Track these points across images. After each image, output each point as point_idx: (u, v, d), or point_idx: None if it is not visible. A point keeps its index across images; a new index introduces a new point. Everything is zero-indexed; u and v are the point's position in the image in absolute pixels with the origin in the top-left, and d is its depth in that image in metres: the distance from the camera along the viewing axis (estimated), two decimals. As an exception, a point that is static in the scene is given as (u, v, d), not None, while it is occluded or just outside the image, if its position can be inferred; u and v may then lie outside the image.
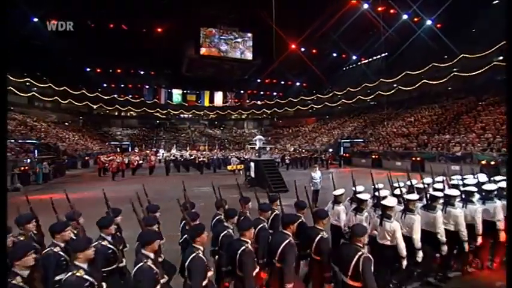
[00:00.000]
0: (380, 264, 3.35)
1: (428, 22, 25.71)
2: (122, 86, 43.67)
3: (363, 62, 37.42)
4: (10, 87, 32.47)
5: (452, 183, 5.17)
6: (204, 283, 2.47)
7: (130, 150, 38.44)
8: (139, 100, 45.32)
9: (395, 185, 4.93)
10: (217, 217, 3.97)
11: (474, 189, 4.44)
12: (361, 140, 29.03)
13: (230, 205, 4.15)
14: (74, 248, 2.30)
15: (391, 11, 26.35)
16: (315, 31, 28.07)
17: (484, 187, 4.54)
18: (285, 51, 31.59)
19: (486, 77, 23.07)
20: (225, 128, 52.14)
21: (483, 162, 15.37)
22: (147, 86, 44.62)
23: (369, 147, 26.11)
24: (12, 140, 19.83)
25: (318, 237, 3.12)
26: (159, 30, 28.43)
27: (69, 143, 29.25)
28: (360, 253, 2.63)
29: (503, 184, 4.51)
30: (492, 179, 5.34)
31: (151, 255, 2.45)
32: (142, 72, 41.89)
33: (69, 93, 38.97)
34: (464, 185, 4.91)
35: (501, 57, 21.29)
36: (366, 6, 26.38)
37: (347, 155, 27.19)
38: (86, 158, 26.04)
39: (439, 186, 4.78)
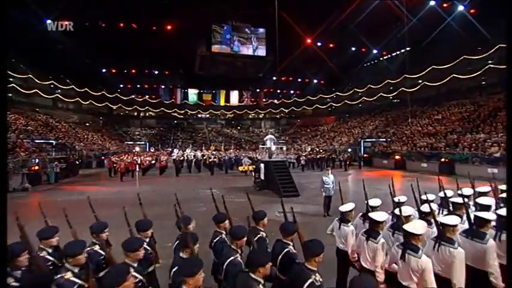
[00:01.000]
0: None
1: (460, 8, 23.28)
2: (138, 86, 44.36)
3: (384, 56, 35.39)
4: (36, 90, 33.99)
5: (503, 196, 3.81)
6: None
7: (147, 149, 38.83)
8: (157, 100, 45.95)
9: (423, 197, 3.81)
10: (218, 237, 3.08)
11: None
12: (383, 140, 27.44)
13: (236, 211, 3.54)
14: (66, 252, 2.28)
15: (417, -4, 24.21)
16: (331, 24, 26.40)
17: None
18: (300, 46, 30.21)
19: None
20: (242, 128, 51.76)
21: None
22: (162, 86, 44.97)
23: (391, 147, 24.63)
24: (29, 140, 20.20)
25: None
26: (169, 27, 27.98)
27: (86, 143, 29.75)
28: (310, 281, 2.05)
29: None
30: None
31: (134, 264, 2.37)
32: (156, 72, 42.17)
33: (90, 95, 40.15)
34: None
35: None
36: (387, -7, 24.47)
37: (367, 155, 25.85)
38: (102, 157, 26.25)
39: (487, 201, 3.50)
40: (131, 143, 41.26)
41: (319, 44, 31.65)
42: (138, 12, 25.03)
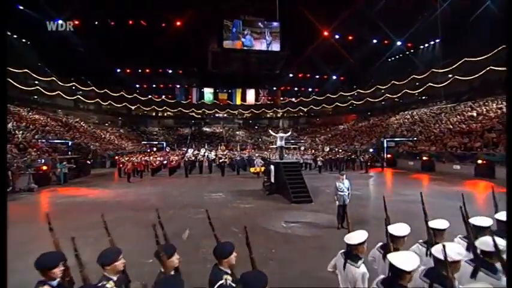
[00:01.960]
0: None
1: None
2: (154, 86, 44.58)
3: (409, 49, 32.99)
4: (58, 91, 35.07)
5: None
6: None
7: (164, 149, 38.87)
8: (175, 100, 46.13)
9: (474, 221, 2.60)
10: (221, 282, 1.99)
11: None
12: (408, 139, 25.32)
13: (237, 219, 3.14)
14: (102, 261, 2.05)
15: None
16: (351, 13, 24.55)
17: None
18: (317, 39, 28.61)
19: None
20: (260, 127, 50.80)
21: None
22: (178, 86, 44.92)
23: (418, 147, 22.59)
24: (44, 140, 20.36)
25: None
26: (179, 24, 27.34)
27: (102, 142, 30.01)
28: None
29: None
30: None
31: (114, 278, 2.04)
32: (170, 71, 41.97)
33: (109, 96, 40.93)
34: None
35: None
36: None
37: (391, 155, 23.97)
38: (116, 157, 26.24)
39: None
40: (150, 142, 41.53)
41: (337, 36, 29.91)
42: (146, 9, 24.65)
